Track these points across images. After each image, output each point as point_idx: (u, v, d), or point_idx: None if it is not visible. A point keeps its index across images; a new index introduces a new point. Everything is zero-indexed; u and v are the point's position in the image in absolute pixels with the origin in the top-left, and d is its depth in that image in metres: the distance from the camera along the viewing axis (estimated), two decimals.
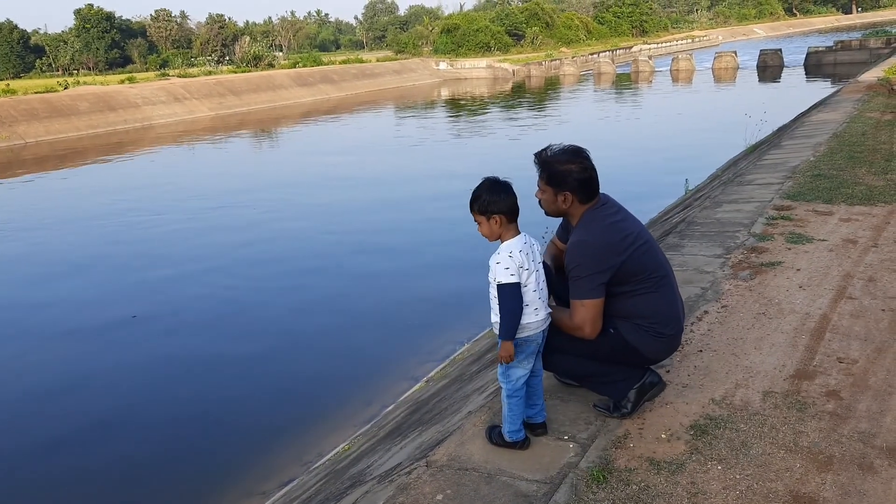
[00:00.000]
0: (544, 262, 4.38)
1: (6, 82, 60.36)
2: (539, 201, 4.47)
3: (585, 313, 4.26)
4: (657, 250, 4.48)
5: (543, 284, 4.24)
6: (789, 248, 7.54)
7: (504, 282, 4.07)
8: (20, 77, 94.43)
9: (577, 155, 4.33)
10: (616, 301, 4.34)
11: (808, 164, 12.02)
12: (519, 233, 4.20)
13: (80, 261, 16.45)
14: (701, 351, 5.31)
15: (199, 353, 11.12)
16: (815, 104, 24.33)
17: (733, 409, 4.50)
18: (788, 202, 9.54)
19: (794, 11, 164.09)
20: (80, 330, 12.34)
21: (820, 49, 59.59)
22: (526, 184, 4.51)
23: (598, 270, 4.21)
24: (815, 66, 56.39)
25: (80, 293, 14.22)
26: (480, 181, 4.22)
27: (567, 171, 4.29)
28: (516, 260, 4.08)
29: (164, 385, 10.09)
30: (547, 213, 4.52)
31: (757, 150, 16.72)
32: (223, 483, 7.73)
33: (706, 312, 6.00)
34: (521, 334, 4.16)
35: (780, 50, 62.37)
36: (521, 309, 4.10)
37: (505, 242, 4.16)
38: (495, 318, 4.20)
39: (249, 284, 14.11)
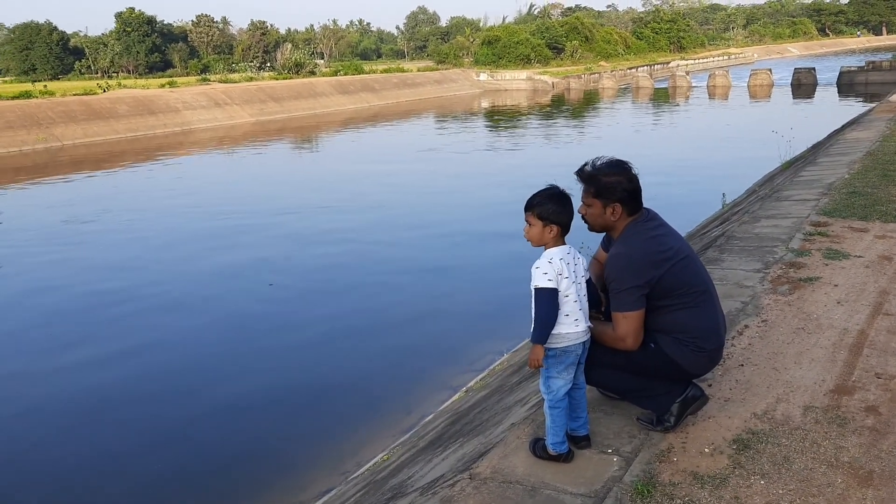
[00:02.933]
0: (589, 279, 4.40)
1: (44, 83, 59.83)
2: (583, 217, 4.49)
3: (627, 325, 4.29)
4: (698, 265, 4.51)
5: (584, 298, 4.26)
6: (826, 264, 7.57)
7: (540, 286, 4.11)
8: (58, 79, 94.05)
9: (622, 167, 4.39)
10: (657, 315, 4.37)
11: (844, 182, 12.10)
12: (564, 244, 4.24)
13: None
14: (742, 365, 5.33)
15: (237, 358, 11.10)
16: (848, 122, 24.39)
17: (775, 423, 4.52)
18: (825, 218, 9.59)
19: (828, 32, 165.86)
20: (104, 333, 12.38)
21: (852, 69, 59.96)
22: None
23: (638, 283, 4.24)
24: (847, 85, 56.57)
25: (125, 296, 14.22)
26: (546, 186, 4.26)
27: (615, 183, 4.34)
28: (555, 267, 4.12)
29: (199, 392, 10.06)
30: (591, 228, 4.56)
31: (793, 167, 16.78)
32: (261, 492, 7.69)
33: (746, 327, 6.02)
34: (560, 344, 4.18)
35: (814, 69, 62.47)
36: (555, 315, 4.12)
37: (548, 250, 4.20)
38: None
39: (287, 291, 14.07)
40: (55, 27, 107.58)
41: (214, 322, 12.74)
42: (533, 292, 4.14)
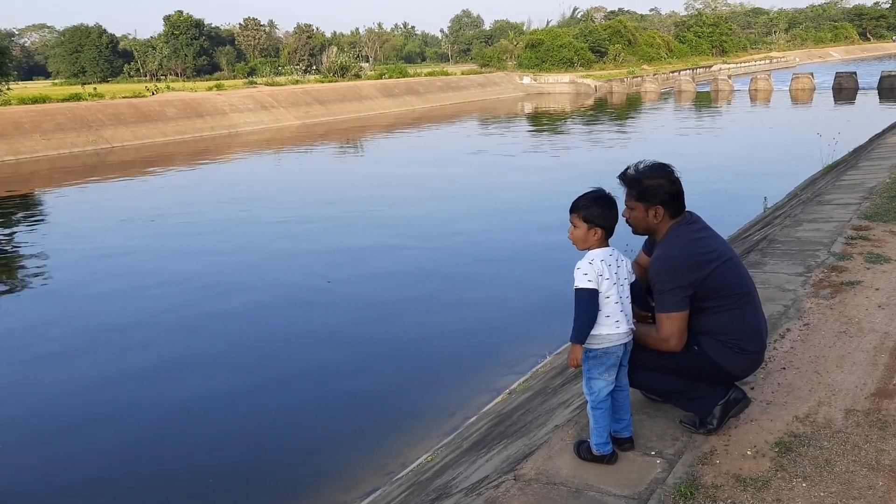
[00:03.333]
0: (635, 281, 4.45)
1: (94, 86, 60.46)
2: (627, 220, 4.54)
3: (671, 326, 4.33)
4: (741, 267, 4.54)
5: (627, 300, 4.30)
6: (868, 268, 7.56)
7: (580, 286, 4.16)
8: (108, 81, 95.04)
9: (664, 170, 4.46)
10: (700, 317, 4.40)
11: (885, 186, 12.07)
12: (607, 246, 4.29)
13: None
14: (784, 368, 5.35)
15: (285, 358, 11.17)
16: (889, 127, 24.20)
17: (817, 426, 4.53)
18: (866, 222, 9.57)
19: (868, 36, 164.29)
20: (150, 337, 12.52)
21: (893, 73, 59.84)
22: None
23: (682, 284, 4.28)
24: (888, 90, 56.50)
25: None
26: (593, 189, 4.32)
27: (658, 186, 4.40)
28: (596, 268, 4.16)
29: (247, 390, 10.12)
30: (635, 232, 4.62)
31: (834, 171, 16.68)
32: (306, 491, 7.73)
33: (788, 330, 6.03)
34: (601, 345, 4.22)
35: (855, 73, 62.45)
36: (594, 316, 4.16)
37: (590, 251, 4.25)
38: None
39: (335, 293, 14.13)
40: (104, 30, 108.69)
41: (267, 320, 12.89)
42: (574, 293, 4.19)
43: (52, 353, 11.84)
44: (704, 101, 59.41)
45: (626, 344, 4.30)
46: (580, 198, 4.30)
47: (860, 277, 7.26)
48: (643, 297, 4.58)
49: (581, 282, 4.16)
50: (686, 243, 4.39)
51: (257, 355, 11.34)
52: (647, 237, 4.72)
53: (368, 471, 7.97)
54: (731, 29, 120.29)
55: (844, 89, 59.11)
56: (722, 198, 19.71)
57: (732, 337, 4.39)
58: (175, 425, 9.32)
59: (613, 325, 4.21)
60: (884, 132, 22.30)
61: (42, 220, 23.11)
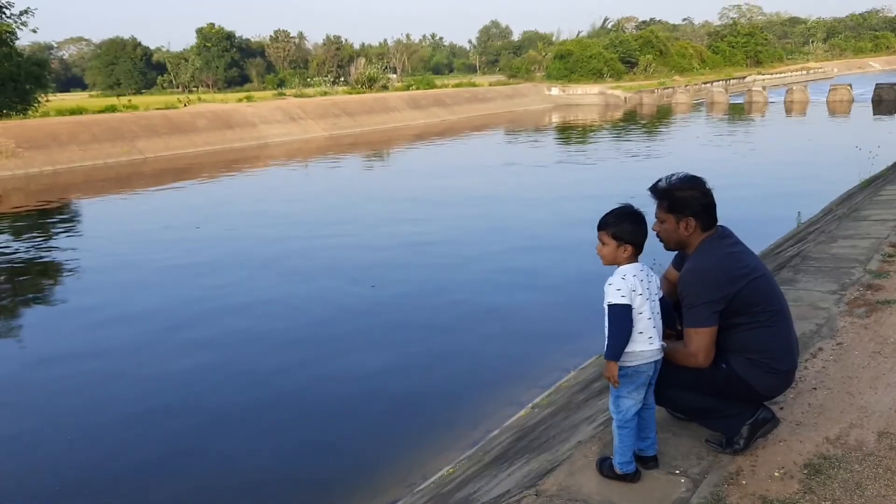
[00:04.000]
0: (664, 298, 4.39)
1: (128, 98, 62.33)
2: (657, 234, 4.50)
3: (700, 341, 4.25)
4: (773, 284, 4.46)
5: (658, 315, 4.23)
6: None
7: (614, 302, 4.08)
8: (141, 93, 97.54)
9: (696, 181, 4.40)
10: (729, 334, 4.32)
11: None
12: (637, 262, 4.23)
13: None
14: (815, 388, 5.23)
15: (306, 367, 11.22)
16: None
17: (848, 448, 4.42)
18: None
19: None
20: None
21: None
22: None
23: (713, 299, 4.21)
24: None
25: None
26: (621, 205, 4.27)
27: (690, 198, 4.35)
28: (629, 283, 4.10)
29: (268, 400, 10.15)
30: (666, 247, 4.57)
31: (872, 185, 16.33)
32: (328, 499, 7.75)
33: (820, 349, 5.90)
34: (633, 363, 4.15)
35: None
36: (629, 332, 4.09)
37: (622, 267, 4.18)
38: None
39: (365, 299, 14.25)
40: (139, 43, 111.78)
41: (294, 326, 13.02)
42: (606, 309, 4.12)
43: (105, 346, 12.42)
44: (737, 112, 58.84)
45: (657, 362, 4.23)
46: (608, 214, 4.24)
47: None
48: (670, 314, 4.50)
49: (614, 297, 4.09)
50: (718, 257, 4.32)
51: (288, 360, 11.46)
52: (676, 252, 4.67)
53: (390, 481, 7.96)
54: (766, 39, 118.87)
55: (885, 101, 57.75)
56: (754, 213, 19.41)
57: (762, 355, 4.30)
58: (197, 429, 9.42)
59: (647, 341, 4.14)
60: None
61: (98, 227, 23.88)
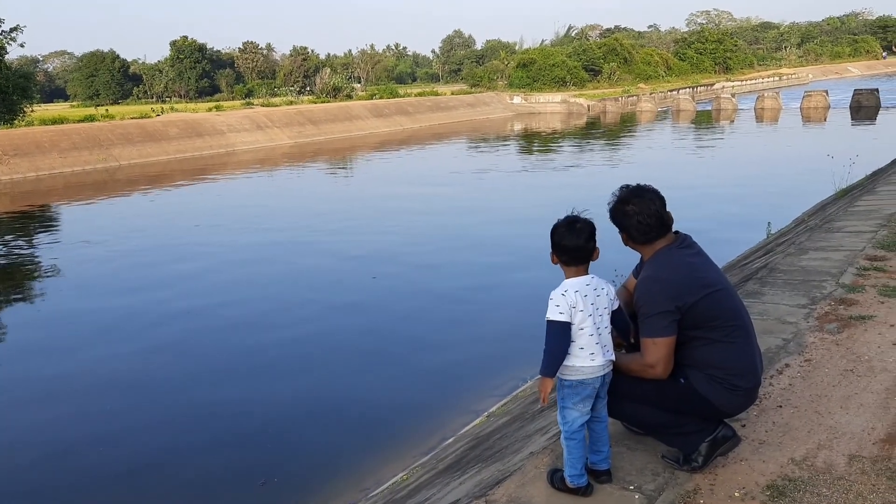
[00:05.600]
0: (619, 308, 4.28)
1: (106, 108, 66.00)
2: None
3: (657, 352, 4.15)
4: (734, 298, 4.34)
5: (605, 330, 4.15)
6: (882, 302, 7.11)
7: (551, 318, 4.04)
8: (119, 103, 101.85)
9: (633, 194, 4.33)
10: (688, 348, 4.21)
11: None
12: (586, 274, 4.15)
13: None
14: (780, 406, 5.05)
15: (263, 371, 11.30)
16: None
17: (815, 471, 4.24)
18: (882, 252, 9.05)
19: (894, 49, 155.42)
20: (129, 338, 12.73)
21: None
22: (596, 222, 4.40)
23: (669, 308, 4.11)
24: None
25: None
26: (563, 217, 4.21)
27: (623, 213, 4.31)
28: (569, 299, 4.04)
29: (224, 403, 10.24)
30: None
31: (848, 196, 16.02)
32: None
33: (787, 366, 5.71)
34: (575, 377, 4.10)
35: (877, 90, 59.33)
36: (565, 349, 4.05)
37: (565, 280, 4.14)
38: None
39: (316, 309, 14.28)
40: (117, 55, 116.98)
41: (251, 334, 13.08)
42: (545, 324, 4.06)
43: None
44: (705, 120, 58.41)
45: (604, 376, 4.18)
46: (553, 227, 4.19)
47: (872, 312, 6.84)
48: (626, 325, 4.39)
49: (552, 314, 4.06)
50: (675, 265, 4.24)
51: (244, 365, 11.62)
52: (639, 260, 4.58)
53: (345, 485, 8.03)
54: (736, 45, 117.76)
55: (864, 107, 56.55)
56: (721, 224, 19.25)
57: (722, 371, 4.19)
58: (138, 440, 9.42)
59: (588, 357, 4.08)
60: None
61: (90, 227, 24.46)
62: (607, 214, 4.39)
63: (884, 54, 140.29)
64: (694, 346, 4.21)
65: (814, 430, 4.70)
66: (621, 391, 4.28)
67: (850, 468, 4.25)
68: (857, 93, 59.44)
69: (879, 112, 54.44)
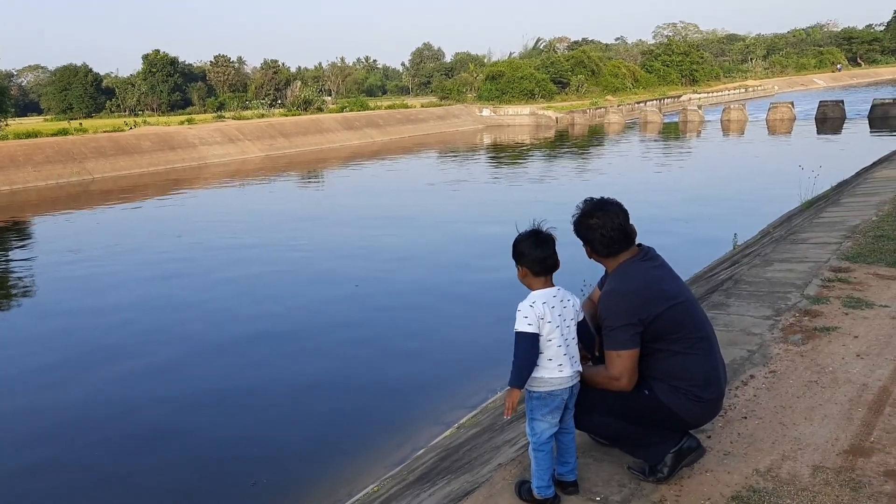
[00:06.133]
0: (584, 320, 4.31)
1: (79, 121, 65.37)
2: None
3: (621, 364, 4.19)
4: (697, 310, 4.38)
5: (572, 342, 4.18)
6: (846, 313, 7.16)
7: (520, 330, 4.06)
8: (91, 117, 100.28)
9: (597, 208, 4.37)
10: (652, 360, 4.25)
11: (871, 224, 11.48)
12: (552, 286, 4.18)
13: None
14: (745, 417, 5.08)
15: (234, 385, 11.34)
16: (879, 160, 23.70)
17: (779, 482, 4.27)
18: (847, 264, 9.11)
19: (859, 61, 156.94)
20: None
21: (886, 101, 56.82)
22: (560, 234, 4.42)
23: (632, 321, 4.15)
24: (880, 119, 53.64)
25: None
26: (525, 230, 4.24)
27: (587, 227, 4.34)
28: (537, 311, 4.06)
29: (197, 416, 10.28)
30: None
31: (813, 207, 16.09)
32: None
33: (752, 377, 5.74)
34: (543, 388, 4.12)
35: (842, 101, 59.63)
36: (534, 360, 4.07)
37: (532, 292, 4.13)
38: None
39: (284, 321, 14.28)
40: (90, 69, 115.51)
41: (222, 347, 13.14)
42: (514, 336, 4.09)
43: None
44: (672, 132, 58.75)
45: (572, 387, 4.20)
46: (515, 240, 4.23)
47: (837, 323, 6.90)
48: (590, 337, 4.41)
49: (521, 325, 4.07)
50: (638, 279, 4.28)
51: (215, 374, 11.74)
52: (604, 272, 4.60)
53: (317, 497, 8.08)
54: (702, 57, 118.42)
55: (830, 119, 56.91)
56: (688, 235, 19.36)
57: (686, 383, 4.23)
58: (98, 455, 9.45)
59: (556, 368, 4.10)
60: (873, 165, 21.85)
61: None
62: (571, 227, 4.43)
63: (838, 66, 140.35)
64: (658, 357, 4.23)
65: (778, 441, 4.73)
66: (587, 403, 4.29)
67: (814, 479, 4.28)
68: (822, 104, 59.80)
69: (845, 123, 54.80)
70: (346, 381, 11.28)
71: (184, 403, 10.70)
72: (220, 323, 14.37)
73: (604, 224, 4.28)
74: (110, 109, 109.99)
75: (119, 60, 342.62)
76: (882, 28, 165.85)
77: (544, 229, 4.23)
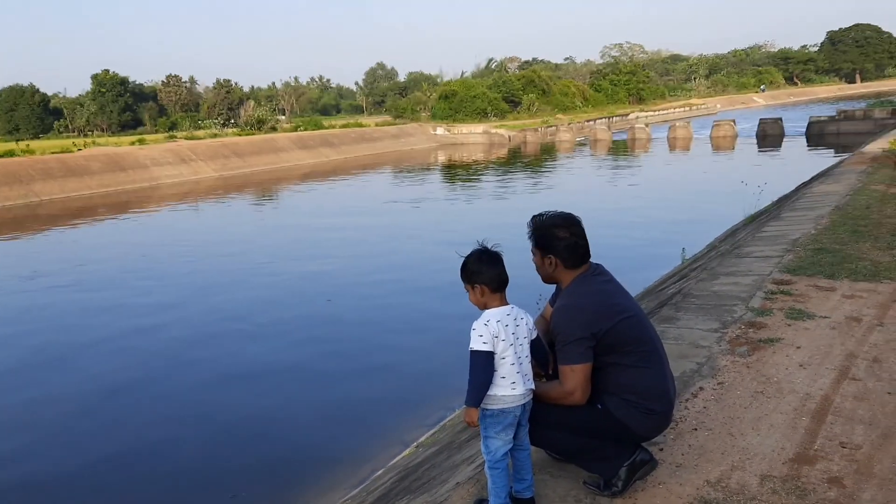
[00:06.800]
0: (537, 338, 4.38)
1: (26, 142, 63.44)
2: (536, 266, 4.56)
3: (575, 378, 4.26)
4: (646, 324, 4.48)
5: (526, 359, 4.23)
6: (789, 325, 7.36)
7: (475, 349, 4.10)
8: (39, 138, 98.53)
9: (566, 220, 4.45)
10: (603, 374, 4.32)
11: (810, 238, 11.75)
12: (506, 304, 4.24)
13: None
14: (696, 429, 5.18)
15: (200, 404, 11.33)
16: (816, 175, 24.04)
17: (729, 492, 4.37)
18: (788, 276, 9.34)
19: (796, 80, 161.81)
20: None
21: (822, 118, 58.10)
22: (516, 252, 4.56)
23: (585, 335, 4.22)
24: (817, 136, 54.95)
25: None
26: (472, 250, 4.29)
27: (554, 236, 4.40)
28: (492, 329, 4.11)
29: (157, 442, 10.09)
30: (543, 280, 4.62)
31: (756, 221, 16.46)
32: None
33: (701, 389, 5.87)
34: (497, 406, 4.16)
35: (781, 119, 61.12)
36: (490, 378, 4.11)
37: (487, 311, 4.19)
38: None
39: (238, 341, 14.22)
40: (37, 89, 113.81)
41: (179, 368, 13.02)
42: (469, 354, 4.13)
43: None
44: (621, 150, 59.33)
45: (525, 404, 4.23)
46: (463, 261, 4.29)
47: (780, 334, 7.07)
48: (544, 354, 4.49)
49: (476, 344, 4.11)
50: (589, 294, 4.36)
51: (166, 409, 11.34)
52: (556, 289, 4.68)
53: None
54: (648, 76, 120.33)
55: (769, 136, 58.23)
56: (638, 250, 19.58)
57: (637, 396, 4.32)
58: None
59: (509, 386, 4.15)
60: (811, 180, 22.26)
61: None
62: (515, 244, 4.54)
63: (762, 87, 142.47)
64: (609, 371, 4.31)
65: (727, 452, 4.83)
66: (542, 419, 4.35)
67: (762, 488, 4.39)
68: (762, 122, 61.21)
69: (784, 140, 56.28)
70: (304, 401, 11.20)
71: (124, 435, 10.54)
72: (164, 345, 14.22)
73: (573, 234, 4.39)
74: (58, 130, 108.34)
75: (67, 80, 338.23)
76: (816, 49, 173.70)
77: (490, 247, 4.30)
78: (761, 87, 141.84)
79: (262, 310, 16.18)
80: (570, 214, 4.52)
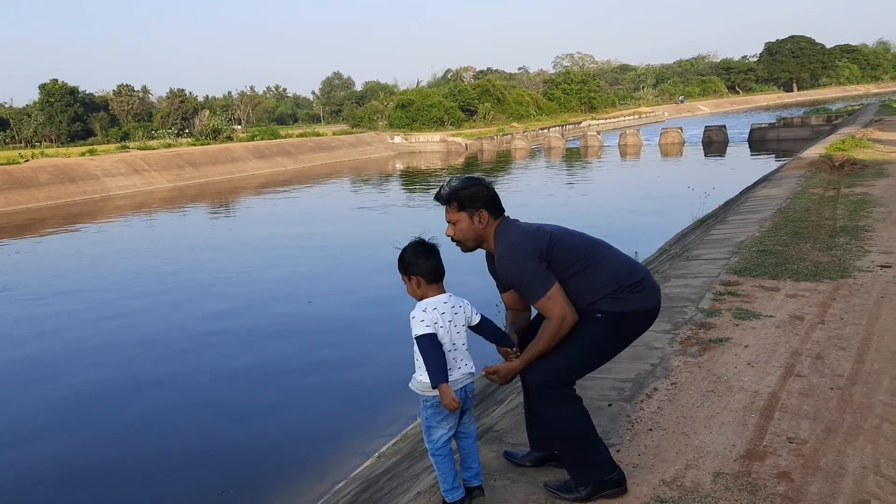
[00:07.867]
0: (487, 322, 4.47)
1: None
2: (454, 241, 4.59)
3: (556, 303, 4.27)
4: (575, 232, 4.60)
5: (461, 346, 4.32)
6: (737, 325, 7.55)
7: (419, 334, 4.21)
8: None
9: (476, 180, 4.58)
10: (575, 291, 4.35)
11: (754, 240, 12.05)
12: (444, 292, 4.34)
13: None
14: (651, 429, 5.29)
15: (154, 415, 11.22)
16: (759, 179, 24.48)
17: (684, 490, 4.45)
18: (735, 278, 9.56)
19: (737, 89, 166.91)
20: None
21: (763, 125, 60.01)
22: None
23: (535, 262, 4.29)
24: (758, 142, 56.71)
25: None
26: (408, 242, 4.38)
27: (476, 192, 4.48)
28: (430, 315, 4.23)
29: (124, 455, 10.00)
30: (465, 249, 4.65)
31: (704, 225, 16.77)
32: None
33: (656, 389, 5.99)
34: (435, 394, 4.22)
35: (725, 126, 62.69)
36: (443, 355, 4.20)
37: (423, 300, 4.29)
38: (417, 373, 4.31)
39: (201, 352, 14.13)
40: None
41: (128, 384, 12.71)
42: (415, 342, 4.24)
43: None
44: (574, 157, 60.04)
45: (464, 388, 4.33)
46: (400, 253, 4.38)
47: (729, 334, 7.26)
48: (500, 333, 4.55)
49: (419, 329, 4.22)
50: (518, 228, 4.48)
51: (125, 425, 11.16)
52: (492, 269, 4.73)
53: None
54: (598, 86, 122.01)
55: (714, 143, 59.69)
56: None
57: (614, 284, 4.38)
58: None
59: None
60: (754, 185, 22.66)
61: None
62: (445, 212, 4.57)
63: (680, 98, 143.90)
64: (577, 282, 4.35)
65: (682, 451, 4.94)
66: (552, 378, 4.34)
67: (716, 485, 4.49)
68: (707, 129, 62.70)
69: (728, 146, 57.68)
70: (261, 415, 11.06)
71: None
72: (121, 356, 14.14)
73: (486, 187, 4.52)
74: (4, 141, 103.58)
75: (14, 90, 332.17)
76: (756, 59, 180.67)
77: (427, 239, 4.39)
78: (680, 98, 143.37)
79: (214, 322, 16.13)
80: (476, 175, 4.70)
